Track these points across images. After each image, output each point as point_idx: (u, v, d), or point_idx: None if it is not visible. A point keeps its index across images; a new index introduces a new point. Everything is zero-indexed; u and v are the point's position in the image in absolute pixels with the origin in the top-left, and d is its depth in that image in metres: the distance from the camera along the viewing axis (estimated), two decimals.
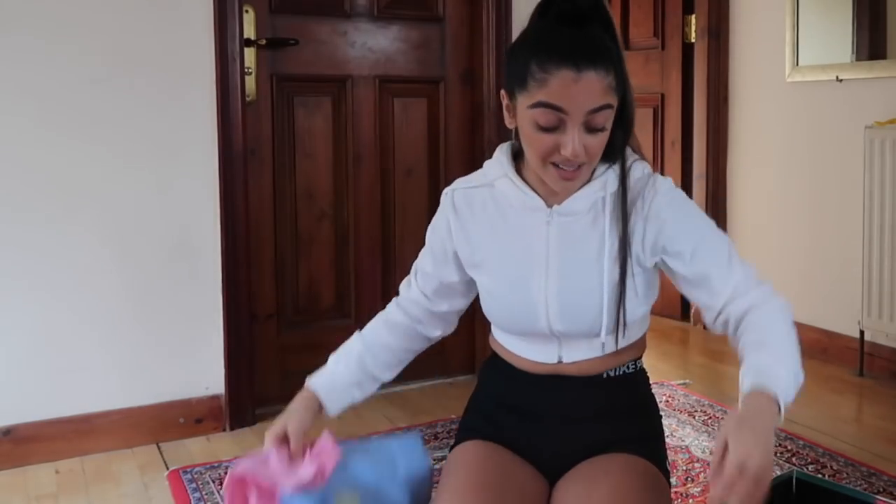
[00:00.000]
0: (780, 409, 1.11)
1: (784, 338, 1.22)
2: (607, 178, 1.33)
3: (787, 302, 1.27)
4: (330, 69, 2.82)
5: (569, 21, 1.27)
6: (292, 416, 1.39)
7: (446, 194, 1.44)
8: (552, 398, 1.37)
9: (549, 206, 1.34)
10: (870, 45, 3.13)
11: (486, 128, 2.97)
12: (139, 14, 2.41)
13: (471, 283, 1.44)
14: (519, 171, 1.37)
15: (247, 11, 2.62)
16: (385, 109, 2.93)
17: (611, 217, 1.32)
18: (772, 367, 1.15)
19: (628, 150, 1.38)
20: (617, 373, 1.38)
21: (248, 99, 2.63)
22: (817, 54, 3.25)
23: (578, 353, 1.35)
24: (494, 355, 1.46)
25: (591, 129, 1.24)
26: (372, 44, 2.88)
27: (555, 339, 1.35)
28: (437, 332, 1.50)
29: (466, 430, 1.43)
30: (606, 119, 1.25)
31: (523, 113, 1.27)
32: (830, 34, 3.25)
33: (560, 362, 1.37)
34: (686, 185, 3.81)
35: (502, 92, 1.33)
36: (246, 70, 2.61)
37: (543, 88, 1.23)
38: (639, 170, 1.35)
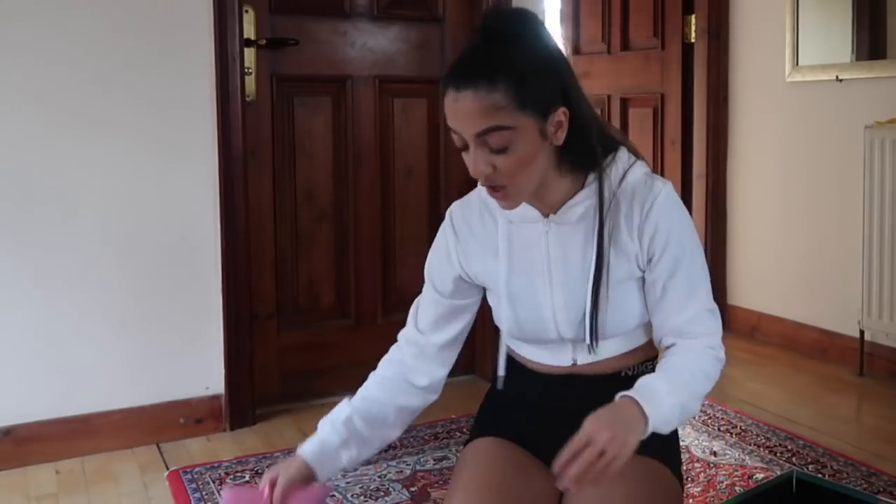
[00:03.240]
0: (645, 420, 1.16)
1: (692, 374, 1.25)
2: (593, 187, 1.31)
3: (720, 357, 1.31)
4: (330, 69, 2.82)
5: (483, 39, 1.23)
6: (287, 469, 1.34)
7: (446, 216, 1.44)
8: (569, 395, 1.37)
9: (546, 216, 1.33)
10: (870, 45, 3.13)
11: None
12: (139, 14, 2.41)
13: (467, 306, 1.46)
14: None
15: (247, 11, 2.62)
16: (385, 109, 2.93)
17: (598, 225, 1.31)
18: (655, 388, 1.20)
19: (624, 153, 1.35)
20: (634, 372, 1.38)
21: (248, 99, 2.63)
22: (817, 54, 3.25)
23: (592, 356, 1.36)
24: (510, 358, 1.46)
25: (492, 149, 1.21)
26: (372, 44, 2.88)
27: (568, 343, 1.36)
28: (423, 381, 1.44)
29: (480, 428, 1.44)
30: (505, 140, 1.19)
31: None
32: (830, 34, 3.25)
33: (575, 364, 1.38)
34: (686, 185, 3.81)
35: None
36: (246, 70, 2.61)
37: (445, 110, 1.23)
38: (637, 173, 1.32)
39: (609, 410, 1.16)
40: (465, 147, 1.23)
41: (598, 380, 1.37)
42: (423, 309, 1.46)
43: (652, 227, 1.28)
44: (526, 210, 1.33)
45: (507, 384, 1.45)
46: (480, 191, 1.38)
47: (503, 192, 1.25)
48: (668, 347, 1.31)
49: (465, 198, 1.44)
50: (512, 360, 1.45)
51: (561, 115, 1.24)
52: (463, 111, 1.19)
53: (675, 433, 1.43)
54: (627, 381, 1.36)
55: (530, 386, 1.42)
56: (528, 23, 1.24)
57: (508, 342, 1.44)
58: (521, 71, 1.20)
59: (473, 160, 1.22)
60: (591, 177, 1.31)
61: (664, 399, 1.19)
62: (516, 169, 1.22)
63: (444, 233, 1.43)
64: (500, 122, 1.18)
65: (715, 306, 1.32)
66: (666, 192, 1.30)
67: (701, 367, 1.28)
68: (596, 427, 1.11)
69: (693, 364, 1.27)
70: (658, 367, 1.28)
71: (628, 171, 1.32)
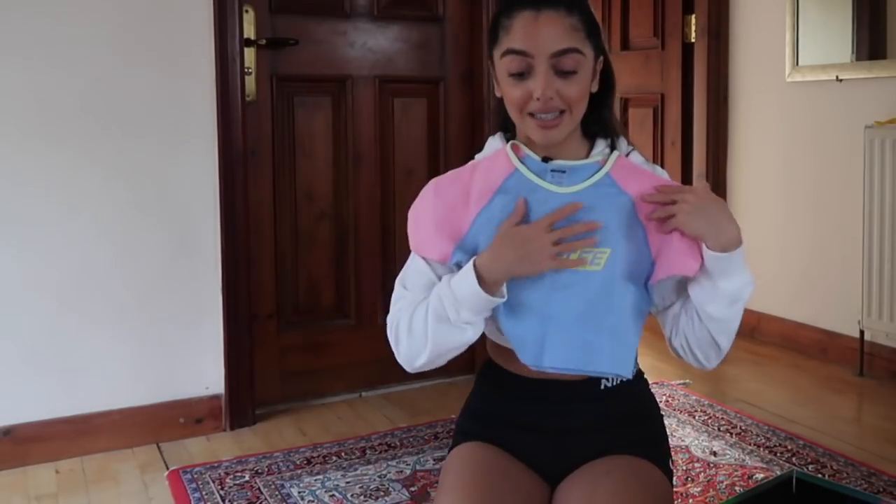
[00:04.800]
0: (739, 242, 1.34)
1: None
2: (604, 155, 1.34)
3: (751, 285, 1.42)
4: (330, 69, 2.82)
5: None
6: None
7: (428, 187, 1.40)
8: (550, 411, 1.35)
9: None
10: (870, 45, 3.13)
11: (486, 128, 2.97)
12: (139, 14, 2.41)
13: None
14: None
15: (247, 11, 2.62)
16: (385, 109, 2.93)
17: None
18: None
19: (623, 141, 1.38)
20: (613, 383, 1.37)
21: (248, 99, 2.63)
22: (817, 54, 3.25)
23: None
24: (490, 363, 1.44)
25: (561, 72, 1.25)
26: (372, 44, 2.88)
27: None
28: None
29: (464, 434, 1.41)
30: (577, 63, 1.26)
31: (499, 67, 1.30)
32: (830, 34, 3.25)
33: None
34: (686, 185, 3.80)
35: (489, 61, 1.35)
36: (246, 70, 2.61)
37: (509, 35, 1.26)
38: (637, 157, 1.36)
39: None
40: (524, 73, 1.26)
41: (577, 395, 1.35)
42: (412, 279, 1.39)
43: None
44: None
45: (489, 395, 1.43)
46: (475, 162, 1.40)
47: (559, 119, 1.27)
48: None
49: (454, 172, 1.41)
50: (493, 367, 1.42)
51: (600, 63, 1.33)
52: (545, 29, 1.24)
53: (662, 431, 1.42)
54: (607, 393, 1.36)
55: (511, 398, 1.39)
56: None
57: (492, 336, 1.41)
58: (589, 7, 1.30)
59: (543, 82, 1.24)
60: (600, 145, 1.35)
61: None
62: (578, 96, 1.27)
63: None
64: (577, 44, 1.25)
65: None
66: (666, 176, 1.36)
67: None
68: (705, 193, 1.27)
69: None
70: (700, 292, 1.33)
71: (630, 154, 1.36)
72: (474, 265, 1.26)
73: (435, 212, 1.34)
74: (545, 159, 1.32)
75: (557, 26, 1.24)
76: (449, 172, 1.41)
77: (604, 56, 1.33)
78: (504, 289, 1.27)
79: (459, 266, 1.30)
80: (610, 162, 1.32)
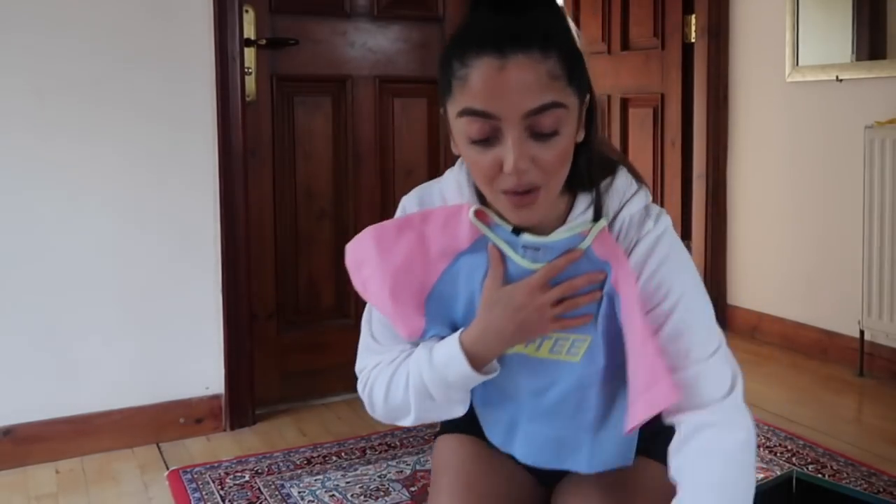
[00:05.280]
0: None
1: (733, 492, 1.04)
2: (586, 222, 1.11)
3: (750, 431, 1.09)
4: (330, 69, 2.82)
5: (504, 8, 1.00)
6: None
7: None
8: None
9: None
10: (870, 45, 3.13)
11: None
12: (139, 14, 2.41)
13: None
14: (483, 196, 1.11)
15: (247, 11, 2.62)
16: (385, 109, 2.93)
17: None
18: None
19: (624, 177, 1.14)
20: None
21: (248, 99, 2.63)
22: (817, 54, 3.25)
23: None
24: None
25: (538, 134, 0.99)
26: (372, 44, 2.88)
27: None
28: None
29: (451, 423, 1.32)
30: (558, 121, 0.99)
31: (455, 128, 1.03)
32: (830, 34, 3.24)
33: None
34: (686, 185, 3.81)
35: (441, 110, 1.07)
36: (246, 70, 2.61)
37: (466, 89, 0.98)
38: (634, 207, 1.12)
39: None
40: (490, 140, 1.00)
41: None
42: (378, 327, 1.23)
43: (638, 267, 1.10)
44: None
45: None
46: (443, 198, 1.17)
47: (534, 196, 1.02)
48: (685, 437, 1.08)
49: (424, 194, 1.20)
50: None
51: (587, 102, 1.07)
52: (514, 82, 0.95)
53: (658, 423, 1.38)
54: None
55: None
56: None
57: None
58: (569, 37, 1.02)
59: (515, 151, 0.98)
60: (582, 204, 1.11)
61: None
62: (559, 162, 1.02)
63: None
64: (557, 96, 0.98)
65: (732, 363, 1.11)
66: (662, 226, 1.11)
67: (740, 478, 1.06)
68: None
69: (733, 476, 1.05)
70: (694, 489, 1.05)
71: (626, 205, 1.12)
72: (461, 343, 1.10)
73: (384, 277, 1.13)
74: (516, 230, 1.09)
75: (530, 77, 0.96)
76: (389, 221, 1.17)
77: (590, 93, 1.07)
78: (495, 361, 1.13)
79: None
80: (591, 236, 1.09)
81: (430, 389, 1.12)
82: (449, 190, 1.16)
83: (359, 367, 1.23)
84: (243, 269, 2.61)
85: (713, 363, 1.08)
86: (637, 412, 1.06)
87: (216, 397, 2.58)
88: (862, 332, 3.02)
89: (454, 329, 1.15)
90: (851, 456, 2.32)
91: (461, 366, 1.09)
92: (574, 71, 1.01)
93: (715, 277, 3.68)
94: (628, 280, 1.08)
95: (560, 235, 1.09)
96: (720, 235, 3.68)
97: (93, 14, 2.36)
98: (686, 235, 3.83)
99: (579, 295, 1.09)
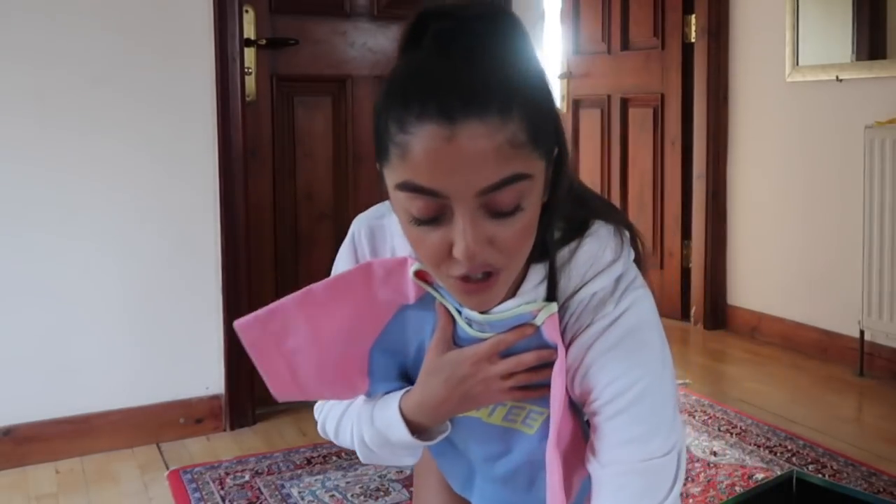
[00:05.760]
0: None
1: None
2: (537, 299, 0.94)
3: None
4: (330, 69, 2.82)
5: (453, 46, 0.82)
6: None
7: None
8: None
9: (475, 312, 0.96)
10: (870, 45, 3.13)
11: None
12: (139, 14, 2.41)
13: None
14: None
15: (247, 11, 2.62)
16: None
17: None
18: None
19: (601, 236, 0.95)
20: None
21: (248, 99, 2.63)
22: (817, 54, 3.25)
23: None
24: None
25: (496, 213, 0.81)
26: (372, 44, 2.88)
27: None
28: None
29: None
30: (521, 196, 0.81)
31: (394, 198, 0.85)
32: (830, 34, 3.24)
33: None
34: (686, 185, 3.81)
35: (377, 165, 0.89)
36: (246, 70, 2.61)
37: (406, 160, 0.79)
38: (601, 282, 0.94)
39: None
40: (437, 218, 0.82)
41: None
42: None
43: (577, 357, 0.94)
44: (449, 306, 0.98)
45: None
46: (392, 248, 1.03)
47: (492, 281, 0.85)
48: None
49: (376, 228, 1.06)
50: None
51: (555, 155, 0.89)
52: (467, 156, 0.77)
53: None
54: None
55: None
56: (512, 23, 0.86)
57: None
58: (536, 82, 0.84)
59: (469, 235, 0.80)
60: (535, 277, 0.94)
61: None
62: (522, 241, 0.85)
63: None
64: (520, 167, 0.80)
65: (676, 453, 0.93)
66: (612, 317, 0.93)
67: None
68: None
69: None
70: None
71: (589, 282, 0.94)
72: (401, 409, 0.99)
73: (319, 345, 1.00)
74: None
75: (487, 148, 0.77)
76: (317, 285, 1.05)
77: (559, 144, 0.88)
78: (447, 423, 1.03)
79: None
80: (540, 318, 0.94)
81: (373, 448, 1.03)
82: (396, 234, 1.00)
83: (316, 411, 1.17)
84: (243, 269, 2.61)
85: (652, 468, 0.91)
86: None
87: (216, 397, 2.58)
88: (862, 332, 3.02)
89: (406, 377, 1.05)
90: (851, 456, 2.32)
91: (401, 432, 0.99)
92: (541, 130, 0.82)
93: (715, 277, 3.68)
94: (559, 375, 0.93)
95: (505, 314, 0.93)
96: (720, 235, 3.68)
97: (93, 14, 2.36)
98: (686, 235, 3.83)
99: (530, 371, 0.96)
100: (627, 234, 0.98)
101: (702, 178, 3.70)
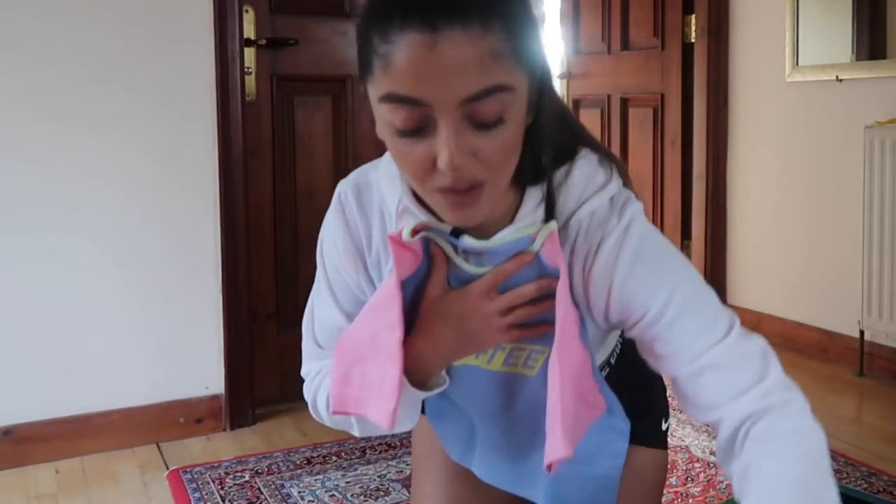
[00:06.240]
0: None
1: (811, 477, 0.92)
2: (535, 222, 0.94)
3: (804, 399, 0.97)
4: (330, 69, 2.82)
5: None
6: None
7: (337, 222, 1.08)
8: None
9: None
10: (870, 45, 3.13)
11: None
12: (139, 14, 2.41)
13: None
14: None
15: (247, 11, 2.62)
16: None
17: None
18: None
19: (586, 165, 0.96)
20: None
21: (248, 99, 2.63)
22: (817, 54, 3.25)
23: None
24: None
25: (479, 124, 0.82)
26: None
27: None
28: None
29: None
30: (503, 108, 0.82)
31: (378, 113, 0.87)
32: (830, 34, 3.24)
33: None
34: (686, 185, 3.81)
35: (361, 87, 0.90)
36: (246, 70, 2.61)
37: (389, 70, 0.81)
38: (598, 201, 0.95)
39: None
40: (420, 130, 0.83)
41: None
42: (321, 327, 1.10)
43: (609, 277, 0.93)
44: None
45: None
46: (381, 195, 1.02)
47: (477, 193, 0.86)
48: (735, 436, 0.93)
49: (362, 184, 1.05)
50: None
51: (537, 77, 0.90)
52: (448, 64, 0.78)
53: (650, 395, 1.25)
54: None
55: None
56: None
57: None
58: (515, 6, 0.84)
59: (452, 145, 0.81)
60: (532, 200, 0.95)
61: None
62: (505, 154, 0.85)
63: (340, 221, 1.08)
64: (501, 78, 0.81)
65: (739, 330, 0.98)
66: (620, 229, 0.94)
67: (819, 479, 0.93)
68: None
69: (811, 479, 0.92)
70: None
71: (586, 202, 0.95)
72: None
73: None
74: (456, 231, 0.94)
75: (468, 56, 0.79)
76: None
77: (542, 67, 0.90)
78: (444, 373, 1.00)
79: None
80: (539, 240, 0.93)
81: None
82: (383, 182, 1.01)
83: (304, 371, 1.12)
84: (243, 269, 2.61)
85: (729, 347, 0.94)
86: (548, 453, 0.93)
87: (216, 397, 2.58)
88: (862, 332, 3.02)
89: None
90: (851, 456, 2.32)
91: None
92: (522, 44, 0.83)
93: (715, 277, 3.68)
94: (564, 298, 0.92)
95: (504, 239, 0.94)
96: (720, 235, 3.68)
97: (92, 14, 2.36)
98: (686, 235, 3.83)
99: (531, 303, 0.95)
100: (614, 164, 0.99)
101: (702, 178, 3.70)
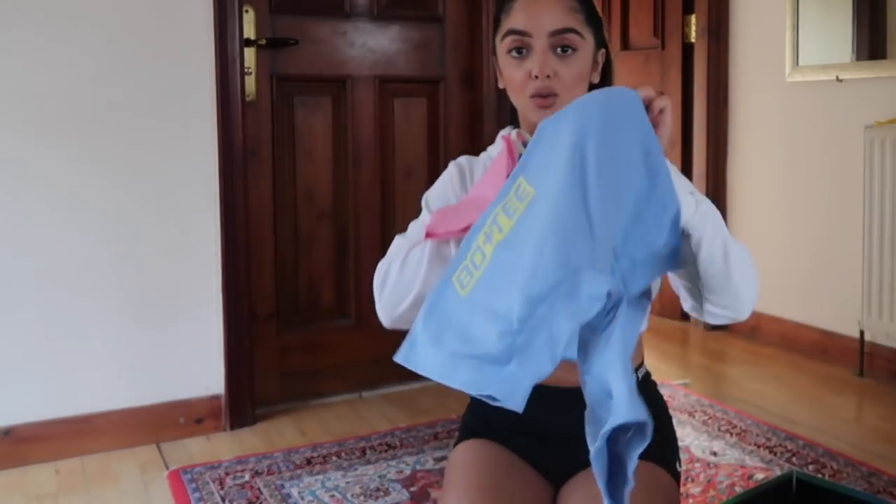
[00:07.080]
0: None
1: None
2: None
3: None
4: (330, 69, 2.82)
5: None
6: None
7: (452, 164, 1.41)
8: (551, 417, 1.31)
9: None
10: (870, 45, 3.13)
11: (485, 128, 2.97)
12: (139, 14, 2.41)
13: None
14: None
15: (247, 11, 2.62)
16: (385, 109, 2.93)
17: None
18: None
19: None
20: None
21: (248, 99, 2.63)
22: (817, 54, 3.25)
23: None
24: None
25: (559, 50, 1.27)
26: (372, 44, 2.88)
27: None
28: None
29: (469, 431, 1.40)
30: (575, 43, 1.27)
31: (500, 50, 1.32)
32: (830, 34, 3.25)
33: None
34: None
35: (492, 53, 1.37)
36: (246, 70, 2.61)
37: (509, 17, 1.30)
38: None
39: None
40: (522, 51, 1.28)
41: (579, 391, 1.11)
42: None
43: None
44: None
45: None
46: (489, 153, 1.39)
47: (552, 100, 1.27)
48: None
49: (471, 157, 1.42)
50: None
51: (602, 55, 1.35)
52: (544, 8, 1.27)
53: (669, 433, 1.39)
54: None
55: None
56: None
57: None
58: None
59: (541, 60, 1.26)
60: None
61: (716, 218, 1.16)
62: (574, 80, 1.28)
63: (450, 178, 1.40)
64: (575, 25, 1.28)
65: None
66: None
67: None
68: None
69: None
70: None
71: None
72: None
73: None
74: None
75: (556, 6, 1.27)
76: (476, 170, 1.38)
77: (605, 49, 1.35)
78: None
79: None
80: None
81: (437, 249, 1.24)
82: (494, 148, 1.37)
83: (381, 262, 1.32)
84: (243, 269, 2.61)
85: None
86: None
87: (216, 397, 2.58)
88: (862, 333, 3.02)
89: None
90: (851, 456, 2.32)
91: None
92: (591, 16, 1.31)
93: None
94: None
95: None
96: None
97: (93, 14, 2.36)
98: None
99: None
100: None
101: (702, 178, 3.70)
